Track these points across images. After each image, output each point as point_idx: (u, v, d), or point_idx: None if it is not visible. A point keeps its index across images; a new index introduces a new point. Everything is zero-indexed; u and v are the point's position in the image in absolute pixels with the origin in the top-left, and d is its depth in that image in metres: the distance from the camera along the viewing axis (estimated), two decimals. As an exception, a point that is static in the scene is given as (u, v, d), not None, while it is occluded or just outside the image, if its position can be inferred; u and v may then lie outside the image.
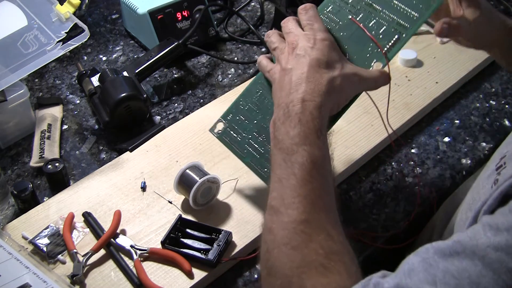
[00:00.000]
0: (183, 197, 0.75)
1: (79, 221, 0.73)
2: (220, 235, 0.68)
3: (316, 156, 0.55)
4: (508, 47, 0.70)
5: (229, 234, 0.68)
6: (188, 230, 0.70)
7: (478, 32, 0.65)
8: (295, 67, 0.60)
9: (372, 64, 0.63)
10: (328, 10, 0.67)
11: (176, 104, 0.96)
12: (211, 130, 0.74)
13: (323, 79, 0.59)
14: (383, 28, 0.63)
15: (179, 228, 0.70)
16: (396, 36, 0.62)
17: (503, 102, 0.93)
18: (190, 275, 0.66)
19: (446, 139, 0.87)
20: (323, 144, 0.57)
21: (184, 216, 0.72)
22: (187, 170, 0.73)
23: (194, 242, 0.68)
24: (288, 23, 0.65)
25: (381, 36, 0.63)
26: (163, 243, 0.68)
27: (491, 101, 0.93)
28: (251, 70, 1.03)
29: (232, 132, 0.72)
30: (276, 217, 0.53)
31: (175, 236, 0.69)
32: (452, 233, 0.65)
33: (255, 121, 0.70)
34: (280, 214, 0.53)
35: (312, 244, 0.51)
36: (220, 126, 0.73)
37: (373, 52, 0.63)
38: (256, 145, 0.70)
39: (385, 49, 0.62)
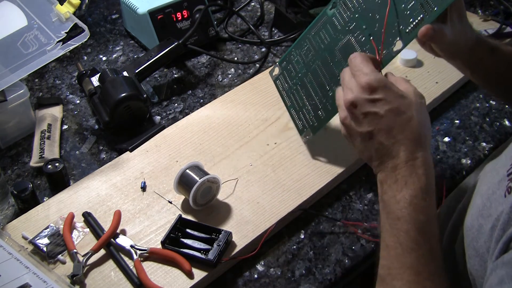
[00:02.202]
0: (183, 197, 0.75)
1: (79, 221, 0.73)
2: (220, 235, 0.68)
3: (421, 222, 0.54)
4: (474, 58, 0.70)
5: (229, 234, 0.68)
6: (188, 230, 0.70)
7: (455, 41, 0.65)
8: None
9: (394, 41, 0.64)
10: None
11: (176, 104, 0.96)
12: (270, 73, 0.81)
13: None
14: (411, 4, 0.63)
15: (179, 228, 0.70)
16: (421, 16, 0.62)
17: (503, 102, 0.93)
18: (190, 275, 0.66)
19: (446, 139, 0.87)
20: (428, 205, 0.55)
21: (184, 216, 0.72)
22: (187, 170, 0.73)
23: (194, 242, 0.68)
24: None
25: (407, 13, 0.63)
26: (163, 243, 0.68)
27: (491, 101, 0.93)
28: (251, 70, 1.03)
29: (283, 79, 0.77)
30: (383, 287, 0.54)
31: (175, 236, 0.69)
32: (458, 235, 0.65)
33: (300, 75, 0.74)
34: (386, 285, 0.54)
35: None
36: (277, 70, 0.79)
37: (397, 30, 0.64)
38: (297, 98, 0.74)
39: (408, 29, 0.63)
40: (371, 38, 0.67)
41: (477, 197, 0.60)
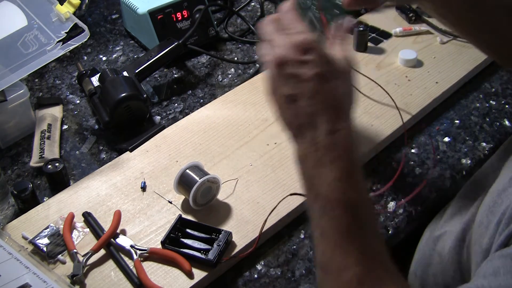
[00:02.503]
0: (183, 197, 0.75)
1: (79, 221, 0.73)
2: (220, 235, 0.68)
3: (353, 200, 0.49)
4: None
5: (229, 234, 0.68)
6: (188, 230, 0.70)
7: None
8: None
9: None
10: None
11: (176, 104, 0.96)
12: None
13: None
14: None
15: (179, 228, 0.70)
16: None
17: (503, 102, 0.93)
18: (190, 275, 0.66)
19: (446, 139, 0.87)
20: (356, 181, 0.50)
21: (184, 216, 0.72)
22: (187, 170, 0.73)
23: (194, 242, 0.68)
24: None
25: None
26: (163, 243, 0.68)
27: (491, 101, 0.93)
28: (251, 70, 1.03)
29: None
30: (327, 277, 0.50)
31: (175, 236, 0.69)
32: (466, 232, 0.64)
33: None
34: (331, 275, 0.49)
35: None
36: None
37: None
38: None
39: None
40: None
41: (488, 195, 0.58)
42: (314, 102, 0.51)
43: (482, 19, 0.64)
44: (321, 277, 0.51)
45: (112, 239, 0.69)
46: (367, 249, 0.48)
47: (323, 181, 0.50)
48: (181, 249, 0.67)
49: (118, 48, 1.10)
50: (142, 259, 0.68)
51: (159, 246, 0.69)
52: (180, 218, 0.70)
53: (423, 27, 1.06)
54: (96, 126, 0.91)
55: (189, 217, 0.73)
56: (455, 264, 0.64)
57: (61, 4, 0.84)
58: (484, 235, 0.53)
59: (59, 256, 0.68)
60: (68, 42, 0.82)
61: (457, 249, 0.65)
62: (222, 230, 0.69)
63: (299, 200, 0.74)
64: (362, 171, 0.51)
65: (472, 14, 0.64)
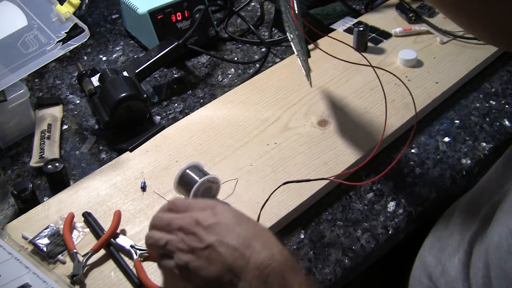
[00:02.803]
0: (183, 197, 0.75)
1: (79, 221, 0.73)
2: None
3: None
4: None
5: None
6: None
7: None
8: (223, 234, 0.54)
9: None
10: None
11: (176, 104, 0.96)
12: None
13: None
14: None
15: None
16: None
17: (503, 102, 0.93)
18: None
19: (446, 139, 0.87)
20: None
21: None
22: (187, 170, 0.73)
23: None
24: (164, 216, 0.60)
25: None
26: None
27: (491, 101, 0.93)
28: (251, 70, 1.03)
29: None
30: None
31: None
32: (472, 248, 0.62)
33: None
34: None
35: None
36: None
37: None
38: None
39: None
40: None
41: (509, 214, 0.56)
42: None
43: None
44: None
45: (112, 239, 0.69)
46: None
47: None
48: None
49: (118, 48, 1.10)
50: (142, 259, 0.68)
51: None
52: None
53: (423, 27, 1.06)
54: (96, 126, 0.91)
55: (189, 217, 0.73)
56: (464, 281, 0.63)
57: (61, 4, 0.84)
58: (506, 260, 0.52)
59: (59, 256, 0.68)
60: (68, 42, 0.82)
61: (465, 264, 0.63)
62: None
63: (299, 200, 0.74)
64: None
65: None
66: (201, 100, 0.96)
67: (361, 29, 0.99)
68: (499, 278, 0.54)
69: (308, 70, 0.81)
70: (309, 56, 0.84)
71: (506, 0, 0.56)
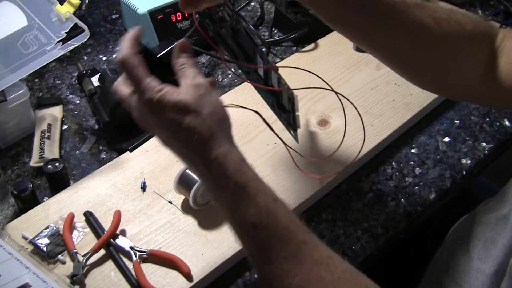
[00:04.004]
0: (183, 197, 0.75)
1: (79, 221, 0.73)
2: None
3: (257, 218, 0.50)
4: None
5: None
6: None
7: None
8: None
9: None
10: None
11: (176, 104, 0.95)
12: None
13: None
14: None
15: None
16: None
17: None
18: (189, 277, 0.66)
19: (446, 139, 0.87)
20: (249, 203, 0.51)
21: (184, 215, 0.72)
22: (187, 170, 0.73)
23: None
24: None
25: None
26: None
27: (491, 101, 0.93)
28: (251, 70, 1.03)
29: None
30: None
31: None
32: (499, 274, 0.60)
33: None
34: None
35: None
36: None
37: None
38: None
39: None
40: None
41: None
42: (181, 147, 0.53)
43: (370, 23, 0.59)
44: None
45: (112, 240, 0.69)
46: (290, 256, 0.49)
47: (225, 211, 0.52)
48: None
49: (118, 48, 1.10)
50: (141, 260, 0.68)
51: (160, 246, 0.69)
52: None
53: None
54: (96, 126, 0.91)
55: (189, 217, 0.73)
56: None
57: (61, 4, 0.84)
58: None
59: (59, 256, 0.68)
60: (68, 42, 0.82)
61: None
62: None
63: (299, 200, 0.74)
64: (254, 182, 0.52)
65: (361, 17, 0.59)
66: (201, 100, 0.96)
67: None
68: None
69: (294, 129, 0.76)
70: (299, 127, 0.77)
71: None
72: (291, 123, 0.74)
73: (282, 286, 0.49)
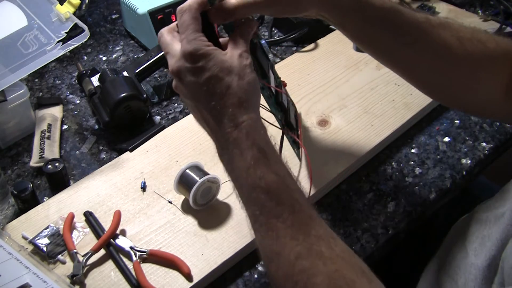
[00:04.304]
0: (183, 197, 0.75)
1: (79, 221, 0.73)
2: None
3: (272, 183, 0.52)
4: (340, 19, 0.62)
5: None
6: None
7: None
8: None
9: None
10: None
11: (176, 104, 0.96)
12: None
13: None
14: None
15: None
16: None
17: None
18: (189, 277, 0.66)
19: (446, 139, 0.87)
20: (268, 167, 0.53)
21: (184, 215, 0.72)
22: (187, 170, 0.73)
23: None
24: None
25: None
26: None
27: (491, 101, 0.93)
28: (251, 70, 1.03)
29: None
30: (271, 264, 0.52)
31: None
32: (491, 268, 0.61)
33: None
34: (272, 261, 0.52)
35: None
36: None
37: None
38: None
39: None
40: None
41: None
42: (213, 104, 0.54)
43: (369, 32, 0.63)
44: (266, 265, 0.54)
45: (112, 240, 0.69)
46: (296, 225, 0.51)
47: (240, 172, 0.54)
48: None
49: (118, 48, 1.10)
50: (141, 260, 0.68)
51: (159, 246, 0.69)
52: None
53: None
54: (96, 126, 0.91)
55: (189, 217, 0.73)
56: None
57: (61, 4, 0.84)
58: None
59: (59, 256, 0.68)
60: (68, 42, 0.82)
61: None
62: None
63: (299, 200, 0.74)
64: (275, 153, 0.55)
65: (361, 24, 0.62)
66: (201, 100, 0.96)
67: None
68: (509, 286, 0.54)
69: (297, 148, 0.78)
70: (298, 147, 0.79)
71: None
72: (296, 141, 0.76)
73: (283, 252, 0.50)
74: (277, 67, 1.00)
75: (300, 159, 0.78)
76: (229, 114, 0.54)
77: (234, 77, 0.54)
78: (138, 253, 0.68)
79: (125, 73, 0.92)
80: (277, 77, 0.74)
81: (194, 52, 0.54)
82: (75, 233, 0.71)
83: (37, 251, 0.68)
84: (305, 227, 0.51)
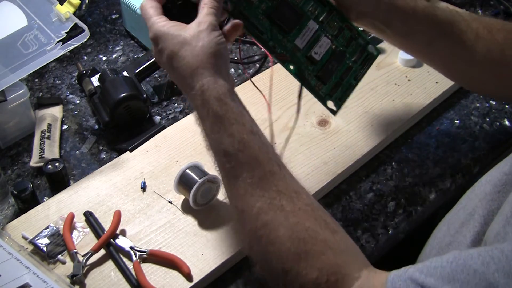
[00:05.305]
0: (183, 197, 0.75)
1: (79, 221, 0.73)
2: None
3: (229, 147, 0.56)
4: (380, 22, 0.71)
5: None
6: None
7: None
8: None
9: None
10: None
11: (176, 104, 0.96)
12: None
13: None
14: None
15: None
16: None
17: (503, 102, 0.93)
18: (189, 277, 0.66)
19: (446, 139, 0.87)
20: (225, 131, 0.56)
21: (184, 215, 0.72)
22: (187, 170, 0.73)
23: None
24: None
25: None
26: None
27: (491, 101, 0.93)
28: (251, 70, 1.03)
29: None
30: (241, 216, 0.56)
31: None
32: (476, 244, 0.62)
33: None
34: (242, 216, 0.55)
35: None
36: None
37: None
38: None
39: None
40: None
41: (506, 205, 0.57)
42: (175, 77, 0.60)
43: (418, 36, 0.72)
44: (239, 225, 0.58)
45: (112, 240, 0.69)
46: (255, 182, 0.54)
47: (206, 139, 0.59)
48: None
49: (118, 48, 1.10)
50: (141, 260, 0.68)
51: (160, 246, 0.69)
52: None
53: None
54: (96, 126, 0.91)
55: (189, 217, 0.73)
56: None
57: (61, 4, 0.84)
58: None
59: (59, 256, 0.68)
60: (68, 42, 0.82)
61: None
62: None
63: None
64: (231, 114, 0.56)
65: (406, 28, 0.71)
66: (201, 100, 0.96)
67: (361, 29, 0.99)
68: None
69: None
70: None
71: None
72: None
73: (246, 208, 0.54)
74: (277, 67, 1.00)
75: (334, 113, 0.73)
76: (186, 84, 0.58)
77: (187, 47, 0.57)
78: (138, 253, 0.68)
79: (125, 73, 0.92)
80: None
81: (153, 38, 0.60)
82: (75, 233, 0.71)
83: (37, 251, 0.68)
84: (265, 183, 0.54)
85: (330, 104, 0.71)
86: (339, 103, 0.72)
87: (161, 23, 0.60)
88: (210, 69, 0.57)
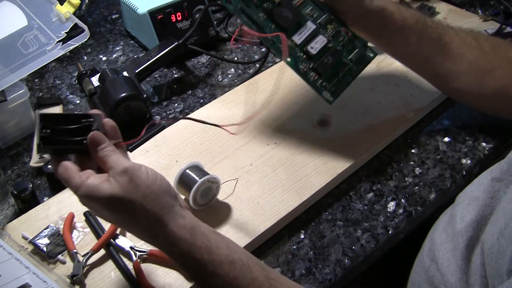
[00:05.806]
0: (183, 197, 0.75)
1: (79, 221, 0.73)
2: (92, 118, 0.60)
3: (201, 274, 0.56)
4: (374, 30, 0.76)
5: (100, 115, 0.61)
6: (59, 127, 0.61)
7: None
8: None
9: None
10: None
11: (176, 104, 0.96)
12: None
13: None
14: None
15: (47, 127, 0.61)
16: None
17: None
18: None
19: (446, 139, 0.87)
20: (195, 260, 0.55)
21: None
22: (187, 170, 0.73)
23: (70, 136, 0.60)
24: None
25: None
26: (38, 146, 0.60)
27: (491, 101, 0.93)
28: (251, 70, 1.03)
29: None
30: None
31: (47, 135, 0.60)
32: (470, 250, 0.62)
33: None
34: None
35: None
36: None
37: None
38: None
39: None
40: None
41: (500, 215, 0.57)
42: (136, 233, 0.58)
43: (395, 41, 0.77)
44: None
45: (112, 240, 0.69)
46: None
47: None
48: (61, 146, 0.60)
49: (118, 48, 1.10)
50: (141, 260, 0.68)
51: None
52: (42, 116, 0.61)
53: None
54: (96, 126, 0.91)
55: (189, 217, 0.73)
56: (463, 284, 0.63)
57: (61, 4, 0.84)
58: (497, 259, 0.53)
59: (59, 256, 0.68)
60: (68, 42, 0.82)
61: (462, 268, 0.63)
62: (91, 114, 0.60)
63: (299, 200, 0.74)
64: (189, 250, 0.55)
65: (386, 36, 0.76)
66: (201, 100, 0.96)
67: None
68: (492, 278, 0.54)
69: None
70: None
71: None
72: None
73: None
74: (277, 67, 1.00)
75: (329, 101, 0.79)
76: (154, 240, 0.57)
77: (127, 209, 0.54)
78: (138, 253, 0.68)
79: (125, 73, 0.92)
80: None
81: (85, 202, 0.57)
82: (75, 233, 0.71)
83: (37, 251, 0.68)
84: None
85: (326, 94, 0.77)
86: (335, 95, 0.78)
87: (82, 186, 0.55)
88: (163, 216, 0.55)
